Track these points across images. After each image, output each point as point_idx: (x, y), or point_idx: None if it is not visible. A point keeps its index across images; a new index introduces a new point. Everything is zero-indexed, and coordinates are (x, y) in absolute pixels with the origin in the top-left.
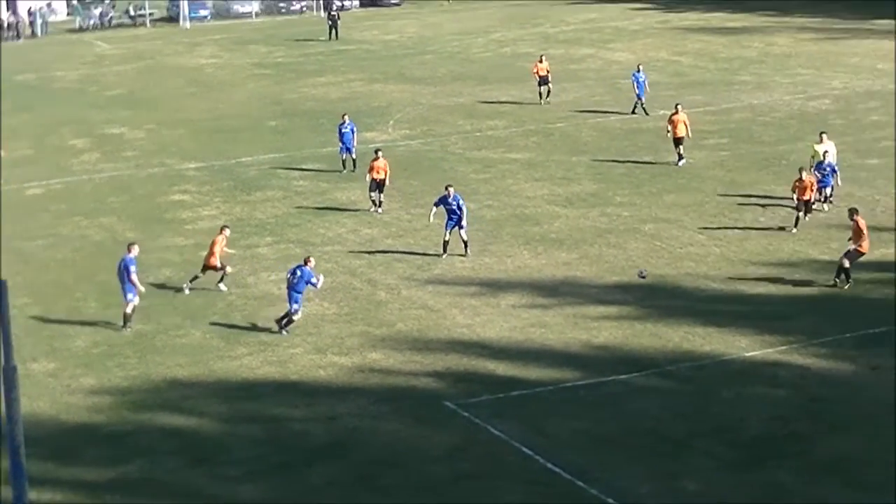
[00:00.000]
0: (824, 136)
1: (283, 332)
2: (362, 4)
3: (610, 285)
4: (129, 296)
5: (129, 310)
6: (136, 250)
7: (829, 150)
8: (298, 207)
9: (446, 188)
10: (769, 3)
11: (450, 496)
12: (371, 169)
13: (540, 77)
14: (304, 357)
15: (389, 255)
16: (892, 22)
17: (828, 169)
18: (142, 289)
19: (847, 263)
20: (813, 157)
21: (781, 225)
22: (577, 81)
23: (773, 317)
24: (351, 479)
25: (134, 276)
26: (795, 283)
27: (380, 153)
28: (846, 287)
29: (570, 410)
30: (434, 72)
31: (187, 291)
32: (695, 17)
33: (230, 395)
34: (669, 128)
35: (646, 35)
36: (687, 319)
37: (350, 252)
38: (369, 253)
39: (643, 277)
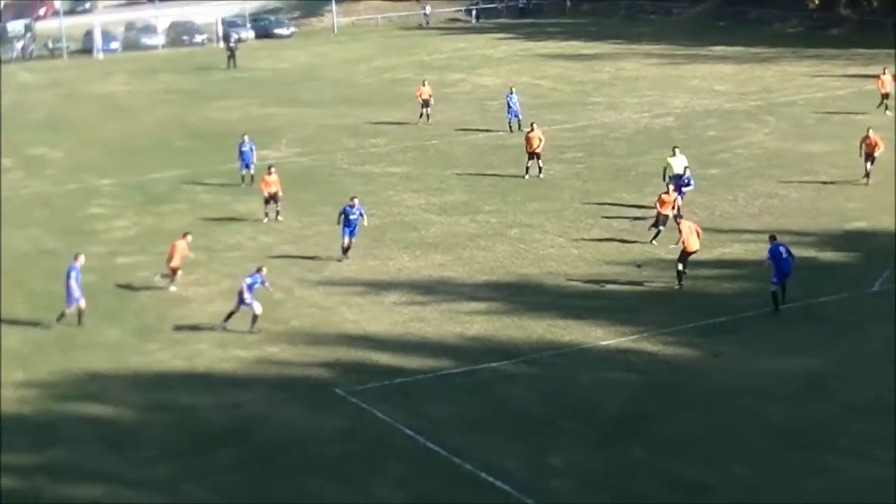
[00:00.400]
0: (677, 150)
1: (254, 329)
2: (257, 36)
3: (480, 283)
4: (76, 295)
5: (82, 305)
6: (81, 259)
7: (680, 163)
8: (203, 218)
9: (351, 199)
10: (618, 32)
11: (341, 473)
12: (264, 183)
13: (423, 100)
14: (210, 352)
15: (284, 259)
16: (727, 48)
17: (685, 181)
18: (76, 293)
19: (680, 266)
20: (665, 168)
21: (628, 228)
22: (450, 103)
23: (626, 310)
24: (252, 459)
25: (71, 281)
26: (645, 280)
27: (272, 169)
28: (677, 287)
29: (447, 395)
30: (322, 96)
31: (157, 279)
32: (553, 46)
33: (144, 386)
34: (525, 143)
35: (510, 62)
36: (549, 313)
37: (249, 258)
38: (266, 258)
39: (639, 266)
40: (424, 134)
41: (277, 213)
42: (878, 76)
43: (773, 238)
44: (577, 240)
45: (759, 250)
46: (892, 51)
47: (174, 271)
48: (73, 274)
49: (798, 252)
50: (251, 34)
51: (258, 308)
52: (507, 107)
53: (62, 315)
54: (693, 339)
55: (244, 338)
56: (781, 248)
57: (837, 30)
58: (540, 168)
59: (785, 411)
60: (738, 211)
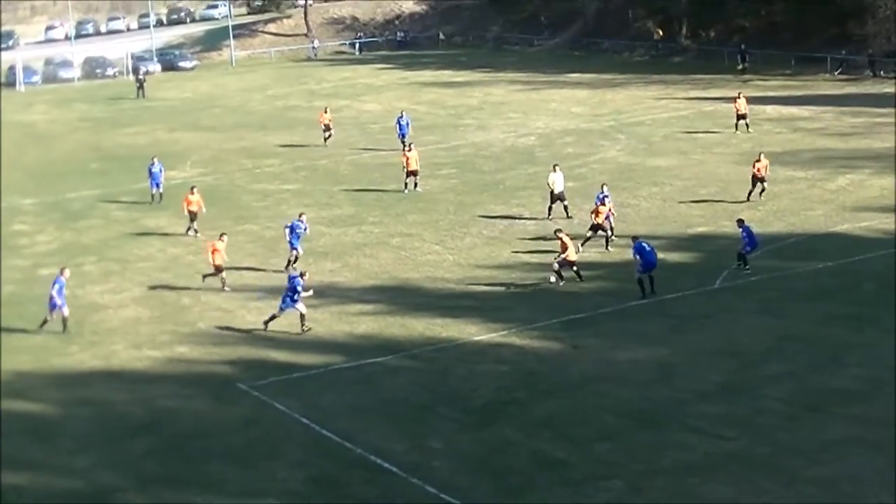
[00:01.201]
0: (557, 167)
1: (304, 328)
2: (164, 69)
3: (366, 287)
4: (57, 303)
5: (65, 313)
6: (66, 273)
7: (558, 179)
8: (116, 233)
9: (300, 215)
10: (487, 62)
11: (245, 458)
12: (186, 202)
13: (324, 125)
14: (125, 352)
15: (190, 268)
16: (582, 75)
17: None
18: (58, 301)
19: (557, 267)
20: (549, 184)
21: (497, 236)
22: (336, 127)
23: (496, 308)
24: (164, 447)
25: (52, 291)
26: (513, 282)
27: (195, 189)
28: (561, 284)
29: (339, 387)
30: (222, 122)
31: (203, 281)
32: (429, 74)
33: (66, 384)
34: (404, 162)
35: (390, 89)
36: (428, 312)
37: (159, 267)
38: (175, 267)
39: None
40: (314, 154)
41: (196, 230)
42: (734, 99)
43: (634, 238)
44: (452, 247)
45: (614, 253)
46: (728, 76)
47: (218, 269)
48: (55, 285)
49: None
50: (158, 67)
51: (303, 307)
52: (398, 128)
53: (44, 321)
54: (556, 334)
55: (155, 339)
56: (644, 244)
57: (679, 58)
58: (416, 184)
59: (638, 395)
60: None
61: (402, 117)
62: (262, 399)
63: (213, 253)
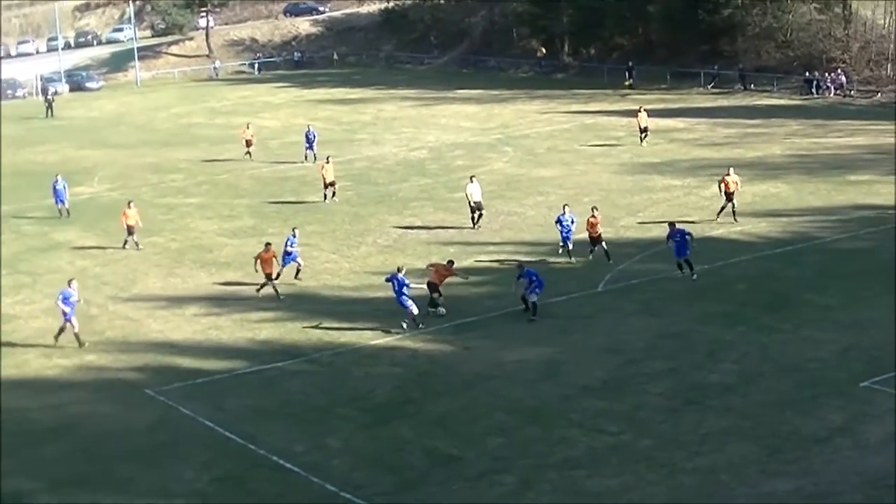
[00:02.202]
0: (474, 178)
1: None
2: (71, 89)
3: (267, 295)
4: (68, 313)
5: (76, 330)
6: (74, 285)
7: (475, 189)
8: (26, 246)
9: (293, 230)
10: (379, 79)
11: (152, 460)
12: (124, 216)
13: (245, 140)
14: (36, 361)
15: (98, 279)
16: (471, 91)
17: (569, 220)
18: (66, 309)
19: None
20: (466, 195)
21: (391, 244)
22: (237, 143)
23: (391, 313)
24: (75, 451)
25: (59, 303)
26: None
27: (132, 204)
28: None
29: (241, 391)
30: (128, 139)
31: (260, 293)
32: (323, 92)
33: None
34: (322, 174)
35: (287, 106)
36: (327, 318)
37: (68, 279)
38: (83, 279)
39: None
40: (215, 169)
41: (136, 242)
42: (635, 113)
43: (519, 265)
44: (348, 256)
45: (502, 260)
46: (607, 90)
47: (269, 277)
48: (61, 296)
49: (534, 259)
50: (66, 88)
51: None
52: (306, 140)
53: (61, 331)
54: (448, 337)
55: (65, 348)
56: (533, 274)
57: (562, 74)
58: (334, 193)
59: (527, 393)
60: (484, 227)
61: (309, 130)
62: (168, 403)
63: (263, 263)
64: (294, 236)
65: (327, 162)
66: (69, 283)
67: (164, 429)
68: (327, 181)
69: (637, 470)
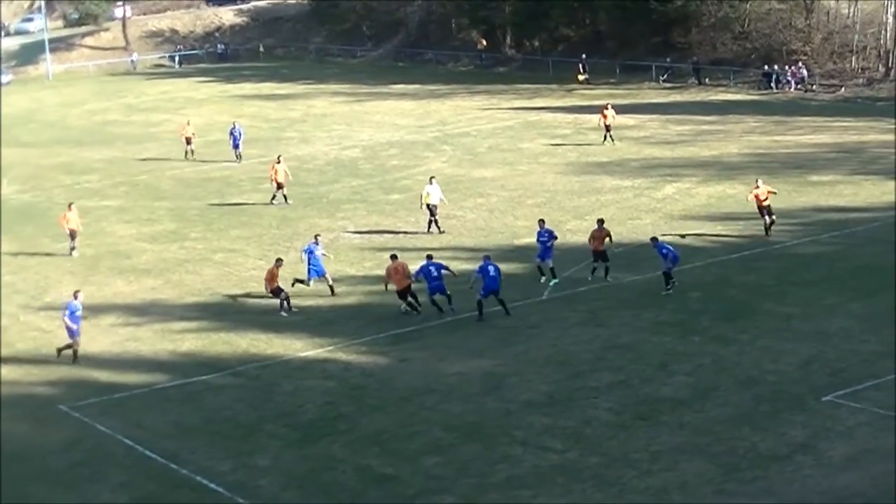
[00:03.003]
0: (433, 179)
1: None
2: None
3: (190, 304)
4: (74, 329)
5: (77, 344)
6: (80, 297)
7: (433, 192)
8: None
9: (315, 237)
10: (309, 74)
11: (67, 481)
12: (64, 219)
13: (186, 138)
14: None
15: (9, 288)
16: (407, 86)
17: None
18: (73, 326)
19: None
20: (423, 197)
21: (325, 252)
22: (157, 141)
23: (322, 323)
24: None
25: (65, 318)
26: (339, 296)
27: (72, 206)
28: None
29: (163, 407)
30: (39, 137)
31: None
32: (249, 87)
33: None
34: (272, 174)
35: (210, 102)
36: (253, 329)
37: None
38: None
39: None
40: (133, 169)
41: (74, 248)
42: (601, 110)
43: (486, 257)
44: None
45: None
46: (552, 86)
47: (275, 293)
48: (67, 311)
49: (474, 266)
50: None
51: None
52: (231, 139)
53: (71, 349)
54: (383, 348)
55: None
56: (490, 266)
57: (504, 68)
58: (285, 196)
59: (467, 408)
60: (420, 231)
61: (234, 128)
62: (84, 420)
63: (269, 277)
64: (317, 243)
65: (278, 162)
66: (75, 295)
67: (80, 447)
68: (278, 181)
69: (584, 490)
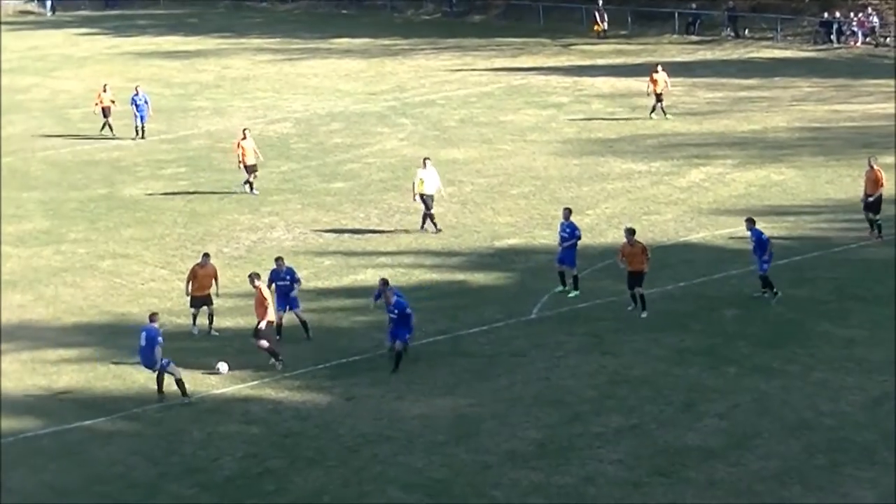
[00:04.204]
0: (427, 162)
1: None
2: None
3: (69, 327)
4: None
5: (176, 375)
6: (157, 321)
7: (430, 176)
8: None
9: (277, 260)
10: (224, 24)
11: None
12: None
13: (103, 108)
14: None
15: None
16: (353, 40)
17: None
18: (158, 359)
19: (262, 344)
20: (416, 184)
21: (243, 255)
22: (24, 113)
23: (244, 351)
24: None
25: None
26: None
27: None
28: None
29: (34, 462)
30: None
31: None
32: (146, 42)
33: None
34: (238, 154)
35: (95, 62)
36: None
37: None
38: None
39: None
40: None
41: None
42: (649, 73)
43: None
44: (182, 271)
45: (396, 275)
46: (544, 39)
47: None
48: (144, 336)
49: (443, 276)
50: None
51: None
52: (134, 108)
53: (179, 384)
54: (323, 383)
55: None
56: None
57: (481, 16)
58: (251, 183)
59: (432, 461)
60: (372, 230)
61: (136, 94)
62: None
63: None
64: (280, 269)
65: (244, 138)
66: (151, 319)
67: None
68: (247, 164)
69: None
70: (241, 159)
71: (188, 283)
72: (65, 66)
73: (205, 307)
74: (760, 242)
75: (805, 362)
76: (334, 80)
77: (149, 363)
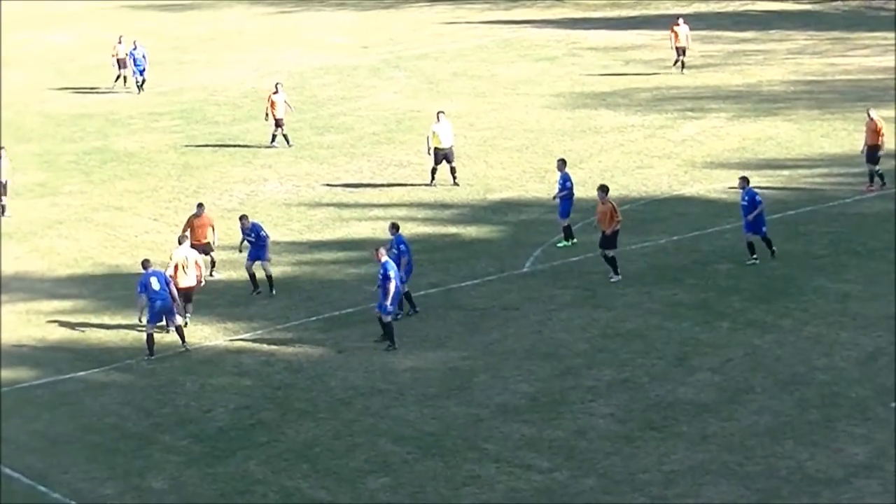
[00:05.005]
0: (441, 115)
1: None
2: None
3: (63, 278)
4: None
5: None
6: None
7: (445, 129)
8: None
9: (241, 218)
10: None
11: None
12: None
13: (119, 60)
14: None
15: None
16: None
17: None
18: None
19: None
20: (430, 138)
21: (236, 208)
22: (17, 67)
23: (237, 303)
24: None
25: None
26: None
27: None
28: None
29: (27, 412)
30: None
31: None
32: None
33: None
34: (268, 107)
35: (87, 16)
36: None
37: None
38: None
39: None
40: None
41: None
42: (669, 27)
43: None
44: (175, 223)
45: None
46: None
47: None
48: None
49: (436, 229)
50: None
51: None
52: (132, 62)
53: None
54: (315, 335)
55: None
56: (394, 259)
57: None
58: (277, 136)
59: (423, 413)
60: (365, 183)
61: (135, 48)
62: None
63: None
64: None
65: (276, 92)
66: (146, 265)
67: None
68: (277, 117)
69: None
70: (270, 112)
71: (183, 233)
72: (57, 21)
73: (206, 256)
74: (753, 203)
75: (799, 317)
76: (326, 32)
77: (169, 304)
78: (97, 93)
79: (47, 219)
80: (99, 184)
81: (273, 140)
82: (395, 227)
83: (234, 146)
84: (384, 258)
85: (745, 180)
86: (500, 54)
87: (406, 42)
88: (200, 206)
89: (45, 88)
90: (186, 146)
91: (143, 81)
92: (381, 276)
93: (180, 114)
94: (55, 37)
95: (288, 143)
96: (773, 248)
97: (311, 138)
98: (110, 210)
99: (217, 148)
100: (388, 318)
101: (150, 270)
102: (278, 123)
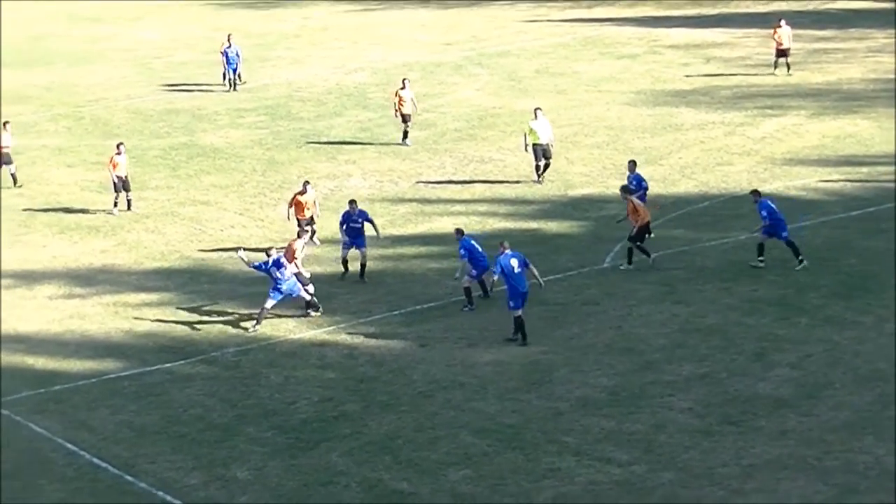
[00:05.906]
0: (538, 112)
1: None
2: None
3: (150, 271)
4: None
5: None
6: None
7: (543, 126)
8: None
9: (350, 203)
10: None
11: None
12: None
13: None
14: None
15: None
16: None
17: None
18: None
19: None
20: (528, 134)
21: (320, 203)
22: (105, 62)
23: (322, 296)
24: None
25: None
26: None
27: (121, 147)
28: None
29: (115, 402)
30: None
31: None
32: None
33: None
34: (396, 102)
35: (176, 11)
36: (231, 303)
37: None
38: None
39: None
40: (77, 99)
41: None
42: (773, 29)
43: (459, 232)
44: (260, 218)
45: (470, 223)
46: None
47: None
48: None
49: (517, 224)
50: None
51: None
52: (224, 60)
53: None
54: (397, 329)
55: None
56: (514, 259)
57: None
58: (406, 133)
59: (504, 407)
60: (447, 179)
61: (228, 46)
62: (13, 419)
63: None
64: (352, 212)
65: (403, 87)
66: (269, 253)
67: (8, 454)
68: (403, 113)
69: None
70: (398, 108)
71: (289, 209)
72: (146, 16)
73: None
74: (773, 215)
75: (879, 314)
76: (410, 29)
77: (294, 287)
78: (182, 89)
79: (134, 213)
80: (185, 178)
81: (405, 138)
82: (459, 233)
83: (319, 142)
84: (507, 250)
85: (756, 193)
86: (582, 52)
87: (488, 39)
88: (307, 182)
89: (133, 84)
90: (272, 142)
91: (235, 79)
92: (503, 276)
93: (265, 110)
94: (143, 33)
95: (405, 139)
96: (801, 256)
97: (395, 135)
98: (196, 204)
99: (302, 144)
100: (518, 313)
101: (272, 261)
102: (405, 119)
